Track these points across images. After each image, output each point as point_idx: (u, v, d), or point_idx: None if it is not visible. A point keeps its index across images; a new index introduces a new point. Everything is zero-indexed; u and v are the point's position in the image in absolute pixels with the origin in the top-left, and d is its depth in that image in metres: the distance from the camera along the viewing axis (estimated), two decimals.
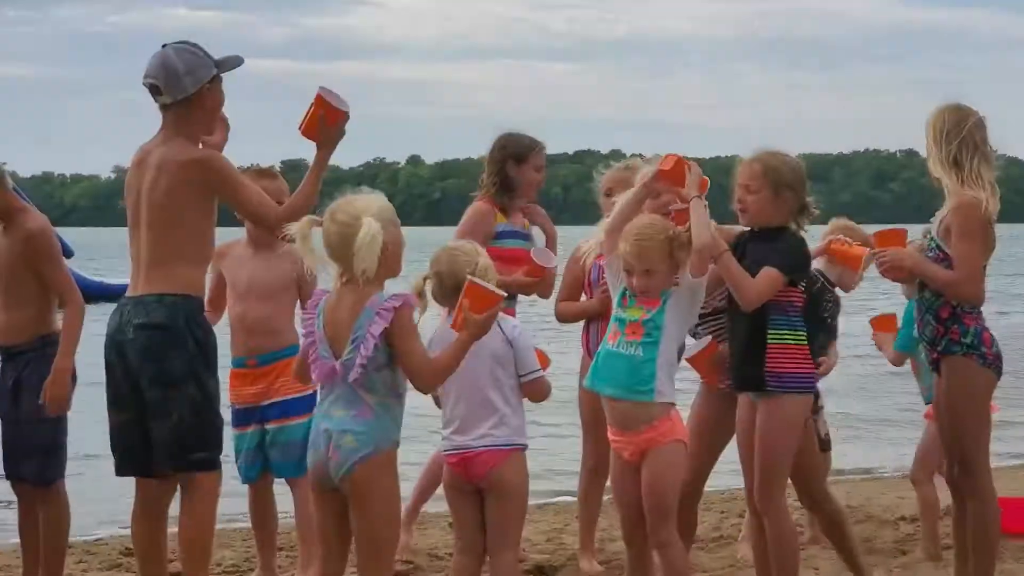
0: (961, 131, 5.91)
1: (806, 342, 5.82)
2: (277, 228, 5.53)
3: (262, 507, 6.96)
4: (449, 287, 5.35)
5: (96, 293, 20.13)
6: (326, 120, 5.70)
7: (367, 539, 5.03)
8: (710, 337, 6.15)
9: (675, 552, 5.75)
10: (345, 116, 5.77)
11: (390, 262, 5.05)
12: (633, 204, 5.84)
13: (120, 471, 5.85)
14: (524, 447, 5.54)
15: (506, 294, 5.29)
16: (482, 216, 7.25)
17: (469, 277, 5.22)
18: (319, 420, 5.11)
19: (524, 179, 7.30)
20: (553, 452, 11.86)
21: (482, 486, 5.48)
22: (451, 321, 5.20)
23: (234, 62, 5.82)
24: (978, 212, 5.82)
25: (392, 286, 5.15)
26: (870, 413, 15.43)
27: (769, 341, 5.76)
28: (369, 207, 5.03)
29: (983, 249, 5.92)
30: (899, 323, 7.26)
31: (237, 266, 6.80)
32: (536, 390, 5.53)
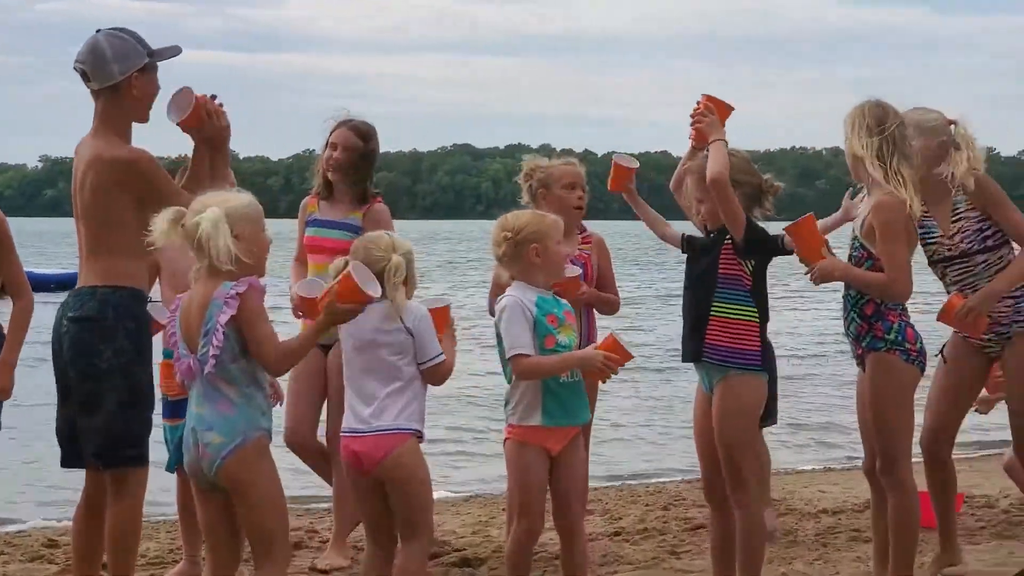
0: (884, 129, 5.99)
1: (755, 320, 5.86)
2: None
3: (189, 497, 6.92)
4: None
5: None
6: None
7: (254, 530, 5.02)
8: (954, 291, 6.31)
9: (584, 542, 5.82)
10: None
11: (249, 258, 5.03)
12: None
13: (64, 463, 5.82)
14: (418, 433, 5.47)
15: (379, 295, 5.20)
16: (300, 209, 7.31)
17: (351, 264, 5.21)
18: (188, 419, 5.10)
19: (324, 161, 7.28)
20: (482, 447, 11.89)
21: (379, 475, 5.42)
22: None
23: (171, 52, 5.74)
24: (899, 212, 5.89)
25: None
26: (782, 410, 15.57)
27: (712, 314, 5.83)
28: (225, 201, 5.04)
29: (908, 247, 6.00)
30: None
31: (173, 257, 6.75)
32: (437, 375, 5.50)
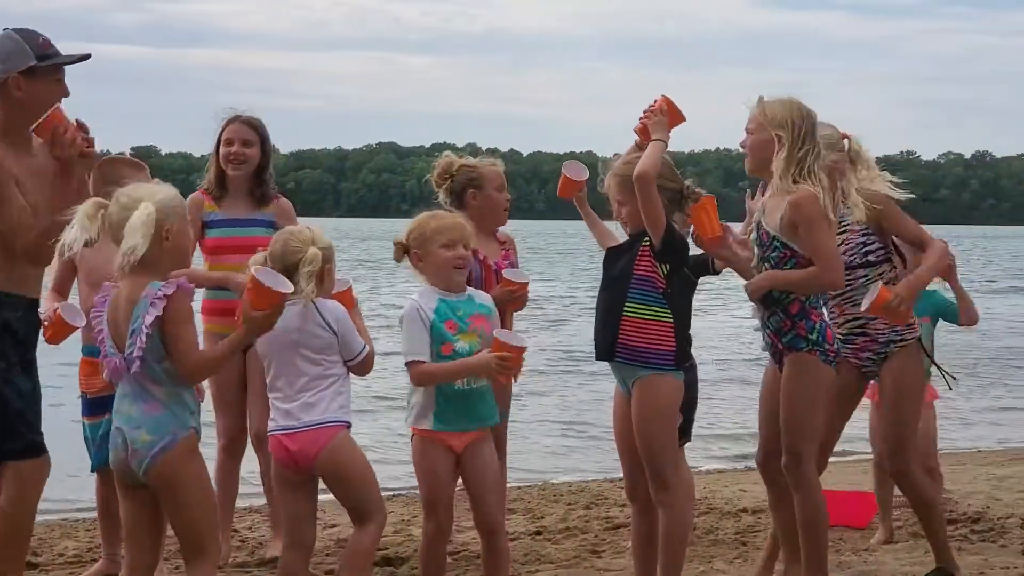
0: (813, 134, 6.05)
1: (669, 321, 5.87)
2: (24, 253, 5.47)
3: (109, 496, 6.87)
4: (277, 271, 5.29)
5: None
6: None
7: (184, 529, 4.99)
8: (880, 283, 6.29)
9: (504, 541, 5.80)
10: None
11: (173, 253, 5.01)
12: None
13: None
14: (348, 424, 5.49)
15: (291, 291, 5.14)
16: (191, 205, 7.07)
17: (253, 269, 5.17)
18: (115, 422, 5.05)
19: (221, 158, 7.23)
20: (403, 446, 11.86)
21: (316, 470, 5.42)
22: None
23: (72, 58, 5.66)
24: (817, 203, 5.94)
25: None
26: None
27: (625, 313, 5.85)
28: (153, 195, 5.00)
29: (832, 234, 6.05)
30: None
31: (92, 254, 6.68)
32: (365, 367, 5.52)
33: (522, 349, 5.74)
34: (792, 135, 6.01)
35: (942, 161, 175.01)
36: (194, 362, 4.97)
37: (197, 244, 7.09)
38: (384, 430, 13.20)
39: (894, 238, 6.56)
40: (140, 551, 5.12)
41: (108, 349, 5.03)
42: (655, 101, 5.99)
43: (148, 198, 4.96)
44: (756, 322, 6.41)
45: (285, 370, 5.43)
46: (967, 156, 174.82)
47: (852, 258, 6.42)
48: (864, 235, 6.45)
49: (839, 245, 6.25)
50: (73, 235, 5.02)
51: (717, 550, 7.64)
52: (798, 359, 6.08)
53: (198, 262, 7.08)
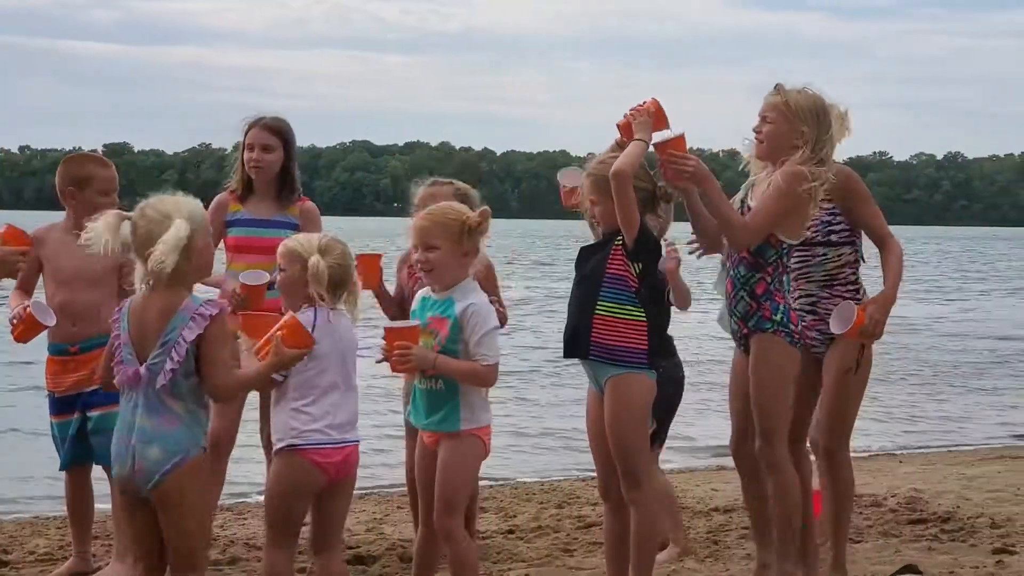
0: (830, 125, 6.16)
1: (642, 319, 5.86)
2: None
3: (79, 494, 6.86)
4: (331, 290, 5.33)
5: None
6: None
7: (179, 547, 4.98)
8: (854, 305, 6.29)
9: (460, 546, 5.72)
10: None
11: (200, 265, 5.05)
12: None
13: None
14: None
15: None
16: (217, 206, 7.12)
17: (291, 314, 5.25)
18: (122, 431, 5.01)
19: (245, 162, 7.12)
20: (378, 444, 11.87)
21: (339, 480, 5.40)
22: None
23: None
24: (803, 182, 5.98)
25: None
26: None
27: (597, 312, 5.85)
28: (180, 208, 5.00)
29: (783, 216, 6.03)
30: None
31: (59, 252, 6.64)
32: None
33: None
34: (817, 130, 6.10)
35: (914, 162, 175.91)
36: (227, 382, 5.02)
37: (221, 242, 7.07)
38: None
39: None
40: (151, 561, 5.09)
41: (125, 355, 4.99)
42: (644, 102, 5.99)
43: (176, 213, 4.96)
44: (718, 313, 6.43)
45: (339, 379, 5.38)
46: (939, 157, 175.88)
47: (815, 235, 6.39)
48: (831, 214, 6.41)
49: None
50: (95, 246, 5.03)
51: (689, 547, 7.65)
52: (763, 339, 6.12)
53: (219, 259, 7.07)
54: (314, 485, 5.33)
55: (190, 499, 4.95)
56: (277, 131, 7.14)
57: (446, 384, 5.66)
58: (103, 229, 5.02)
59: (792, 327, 6.13)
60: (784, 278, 6.22)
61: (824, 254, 6.47)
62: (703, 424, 13.98)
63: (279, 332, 5.15)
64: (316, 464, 5.30)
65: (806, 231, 6.21)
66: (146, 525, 5.04)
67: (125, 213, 5.06)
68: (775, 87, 6.22)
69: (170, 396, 4.94)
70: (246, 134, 7.14)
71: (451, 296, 5.71)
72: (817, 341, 6.53)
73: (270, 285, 6.04)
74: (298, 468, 5.31)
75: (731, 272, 6.22)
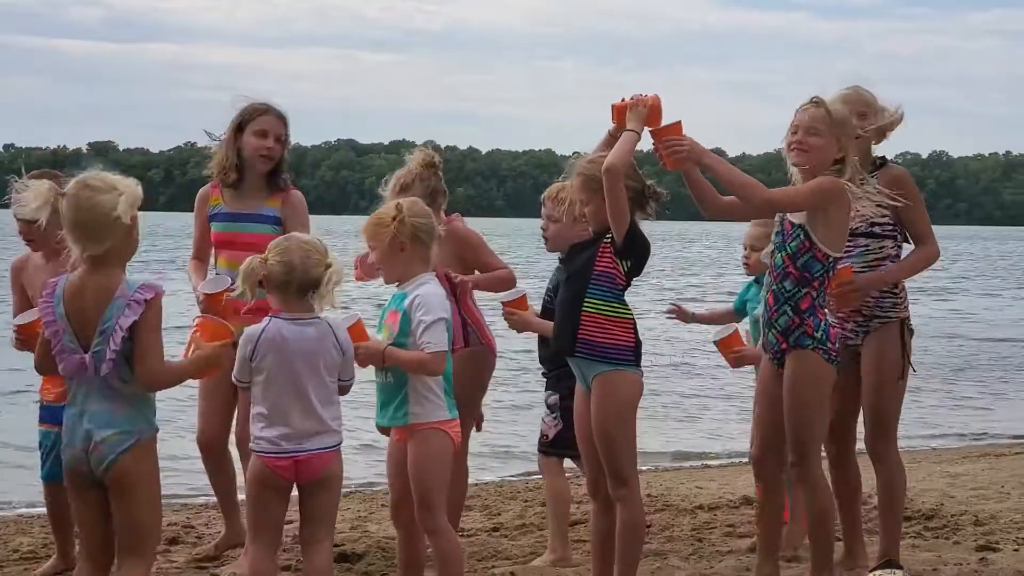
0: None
1: (629, 317, 5.89)
2: None
3: (58, 506, 6.75)
4: (295, 286, 5.32)
5: None
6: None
7: (130, 528, 4.96)
8: (735, 325, 6.34)
9: (443, 539, 5.74)
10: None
11: (131, 245, 4.99)
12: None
13: None
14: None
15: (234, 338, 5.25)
16: (200, 200, 7.07)
17: (199, 317, 5.33)
18: (74, 418, 4.97)
19: (247, 147, 6.98)
20: (362, 442, 11.86)
21: (305, 484, 5.41)
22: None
23: None
24: (838, 192, 5.98)
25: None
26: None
27: (584, 309, 5.86)
28: (124, 182, 4.95)
29: (807, 208, 6.00)
30: (746, 340, 7.07)
31: (37, 277, 6.63)
32: (346, 391, 5.55)
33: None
34: (851, 137, 6.12)
35: (899, 161, 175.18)
36: (158, 372, 4.95)
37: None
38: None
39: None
40: (96, 550, 5.08)
41: (66, 343, 4.92)
42: (647, 95, 5.96)
43: (120, 185, 4.92)
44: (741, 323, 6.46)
45: (290, 396, 5.35)
46: (924, 156, 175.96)
47: (859, 225, 6.42)
48: (877, 206, 6.34)
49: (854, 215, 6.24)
50: (23, 210, 4.99)
51: (673, 546, 7.67)
52: (802, 356, 6.05)
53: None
54: (276, 487, 5.39)
55: (143, 481, 4.95)
56: (286, 122, 7.07)
57: (395, 377, 5.71)
58: (33, 196, 4.97)
59: (830, 344, 6.06)
60: (824, 294, 6.18)
61: (866, 245, 6.49)
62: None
63: (195, 330, 5.18)
64: (271, 467, 5.35)
65: (846, 242, 6.20)
66: (96, 513, 5.01)
67: (59, 188, 4.97)
68: (813, 100, 6.10)
69: (118, 380, 4.91)
70: (252, 119, 6.98)
71: (405, 290, 5.78)
72: (854, 334, 6.54)
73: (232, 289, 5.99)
74: (258, 470, 5.39)
75: (774, 286, 6.12)
